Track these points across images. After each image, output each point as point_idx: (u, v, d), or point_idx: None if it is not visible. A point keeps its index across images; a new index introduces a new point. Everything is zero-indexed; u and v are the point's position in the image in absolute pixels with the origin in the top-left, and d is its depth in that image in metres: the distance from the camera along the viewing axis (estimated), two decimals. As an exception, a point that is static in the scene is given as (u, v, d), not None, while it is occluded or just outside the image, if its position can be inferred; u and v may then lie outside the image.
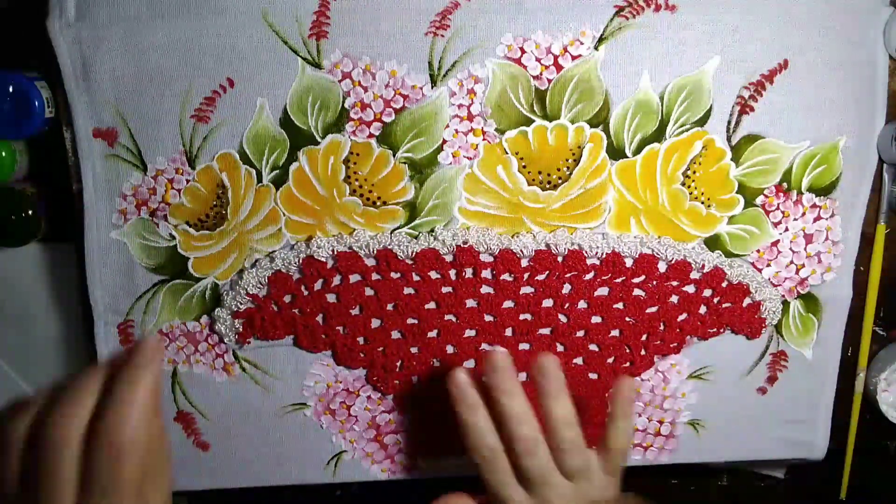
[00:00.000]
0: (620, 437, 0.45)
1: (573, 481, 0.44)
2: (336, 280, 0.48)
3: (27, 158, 0.49)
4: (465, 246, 0.47)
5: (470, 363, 0.50)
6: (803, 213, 0.49)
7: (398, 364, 0.50)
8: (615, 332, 0.49)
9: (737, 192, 0.48)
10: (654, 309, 0.49)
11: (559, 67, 0.46)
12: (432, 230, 0.47)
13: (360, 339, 0.49)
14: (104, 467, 0.30)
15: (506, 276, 0.48)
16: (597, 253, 0.47)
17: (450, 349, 0.49)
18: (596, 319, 0.49)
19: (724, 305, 0.50)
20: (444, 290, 0.48)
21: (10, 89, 0.45)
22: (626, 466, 0.46)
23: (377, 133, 0.46)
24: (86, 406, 0.31)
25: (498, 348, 0.47)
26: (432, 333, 0.49)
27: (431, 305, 0.48)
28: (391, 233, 0.47)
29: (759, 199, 0.48)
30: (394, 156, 0.46)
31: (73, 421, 0.31)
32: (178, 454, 0.52)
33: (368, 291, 0.48)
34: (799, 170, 0.48)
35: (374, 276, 0.48)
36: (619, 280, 0.48)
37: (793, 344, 0.52)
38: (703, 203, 0.48)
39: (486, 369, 0.44)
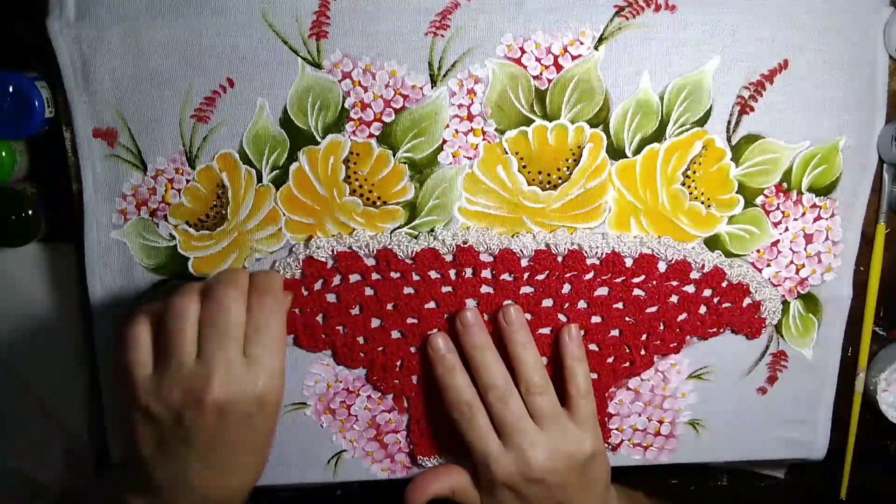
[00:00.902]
0: (579, 381, 0.47)
1: (544, 428, 0.46)
2: (336, 280, 0.48)
3: (27, 158, 0.49)
4: (465, 246, 0.47)
5: (470, 363, 0.50)
6: (803, 213, 0.49)
7: (398, 364, 0.50)
8: (615, 332, 0.49)
9: (737, 192, 0.48)
10: (654, 309, 0.49)
11: (559, 67, 0.46)
12: (432, 230, 0.47)
13: (360, 339, 0.49)
14: (262, 319, 0.40)
15: (506, 276, 0.48)
16: (597, 253, 0.47)
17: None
18: (596, 319, 0.49)
19: (724, 305, 0.50)
20: (444, 289, 0.48)
21: (10, 89, 0.45)
22: (630, 466, 0.46)
23: (377, 133, 0.46)
24: (244, 278, 0.41)
25: (468, 305, 0.48)
26: (432, 333, 0.49)
27: (431, 305, 0.48)
28: (391, 233, 0.47)
29: (759, 199, 0.48)
30: (394, 156, 0.46)
31: (241, 281, 0.41)
32: (178, 454, 0.52)
33: (368, 291, 0.48)
34: (799, 170, 0.48)
35: (374, 276, 0.48)
36: (618, 280, 0.48)
37: (793, 344, 0.52)
38: (703, 203, 0.48)
39: (458, 327, 0.47)
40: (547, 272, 0.48)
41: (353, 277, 0.48)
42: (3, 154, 0.47)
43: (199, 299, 0.40)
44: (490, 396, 0.46)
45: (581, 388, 0.47)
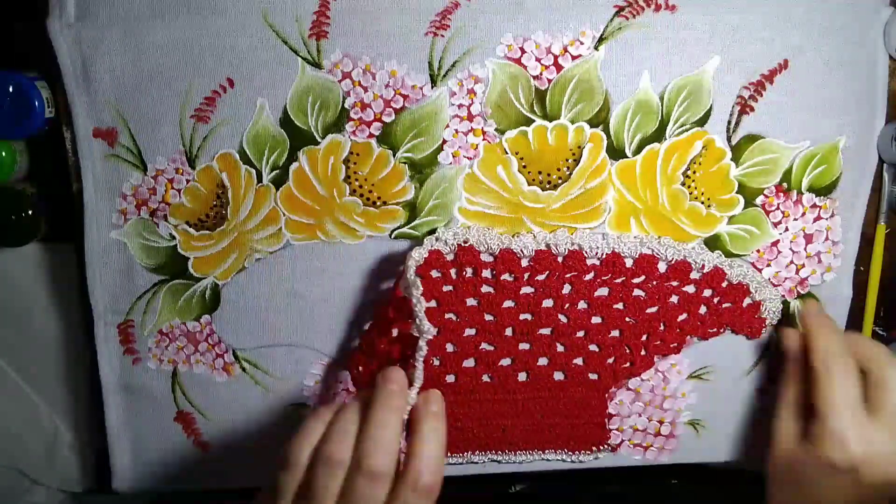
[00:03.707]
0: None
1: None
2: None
3: (27, 158, 0.49)
4: (466, 245, 0.47)
5: (470, 362, 0.50)
6: (803, 213, 0.49)
7: (397, 364, 0.50)
8: (615, 333, 0.49)
9: (737, 192, 0.48)
10: (654, 309, 0.49)
11: (559, 67, 0.46)
12: (433, 230, 0.47)
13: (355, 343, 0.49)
14: (360, 487, 0.38)
15: (506, 276, 0.48)
16: (597, 253, 0.47)
17: (450, 347, 0.49)
18: (596, 320, 0.49)
19: (724, 305, 0.50)
20: (445, 288, 0.48)
21: (10, 89, 0.45)
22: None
23: (377, 133, 0.46)
24: (351, 435, 0.39)
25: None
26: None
27: (432, 304, 0.48)
28: (391, 233, 0.47)
29: (759, 199, 0.48)
30: (394, 156, 0.46)
31: (343, 447, 0.38)
32: (178, 454, 0.52)
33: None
34: (799, 170, 0.48)
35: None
36: (619, 280, 0.48)
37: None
38: (703, 203, 0.48)
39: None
40: (547, 272, 0.48)
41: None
42: (3, 154, 0.47)
43: (353, 441, 0.39)
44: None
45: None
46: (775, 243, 0.49)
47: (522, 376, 0.50)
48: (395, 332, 0.47)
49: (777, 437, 0.47)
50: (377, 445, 0.38)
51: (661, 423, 0.53)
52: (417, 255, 0.46)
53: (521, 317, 0.49)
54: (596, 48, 0.46)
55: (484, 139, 0.46)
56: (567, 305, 0.49)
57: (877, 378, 0.43)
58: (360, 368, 0.49)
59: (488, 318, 0.49)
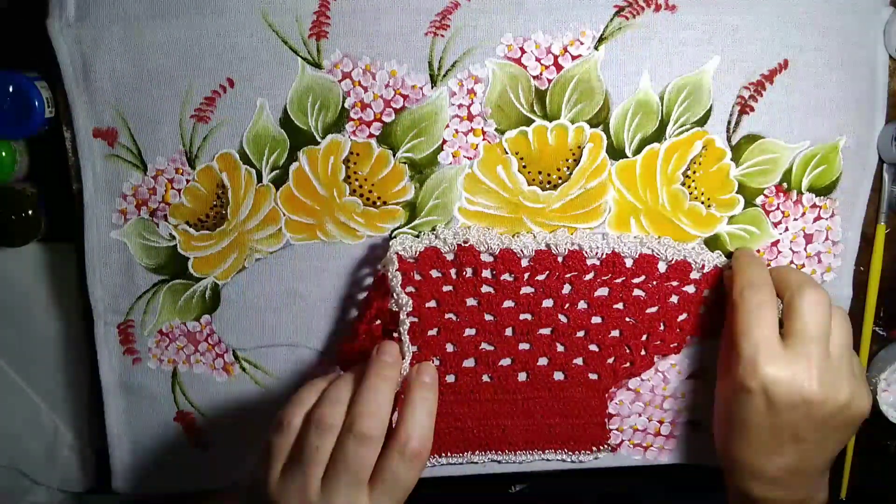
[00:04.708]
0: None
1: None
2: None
3: (27, 158, 0.49)
4: (466, 245, 0.47)
5: (470, 362, 0.50)
6: (803, 213, 0.49)
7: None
8: (615, 333, 0.49)
9: (737, 192, 0.48)
10: (654, 309, 0.49)
11: (559, 67, 0.46)
12: (433, 230, 0.47)
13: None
14: (349, 450, 0.38)
15: (506, 276, 0.48)
16: (597, 253, 0.47)
17: (450, 347, 0.49)
18: (596, 320, 0.49)
19: (723, 305, 0.49)
20: (445, 288, 0.48)
21: (10, 89, 0.45)
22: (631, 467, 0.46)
23: (377, 133, 0.46)
24: (344, 401, 0.40)
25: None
26: (432, 332, 0.49)
27: (432, 304, 0.48)
28: (391, 233, 0.47)
29: (759, 199, 0.48)
30: (394, 156, 0.46)
31: (336, 411, 0.39)
32: (178, 454, 0.52)
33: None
34: (799, 170, 0.48)
35: None
36: (619, 280, 0.48)
37: (793, 344, 0.52)
38: (703, 203, 0.48)
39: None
40: (547, 272, 0.48)
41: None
42: (3, 154, 0.47)
43: (345, 407, 0.40)
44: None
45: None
46: (775, 243, 0.49)
47: (522, 376, 0.50)
48: (374, 311, 0.47)
49: (717, 375, 0.48)
50: (368, 410, 0.39)
51: (661, 423, 0.53)
52: (401, 239, 0.46)
53: (522, 317, 0.49)
54: (596, 48, 0.46)
55: (484, 139, 0.46)
56: (567, 305, 0.49)
57: (788, 304, 0.44)
58: (345, 350, 0.48)
59: (488, 318, 0.49)
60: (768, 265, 0.49)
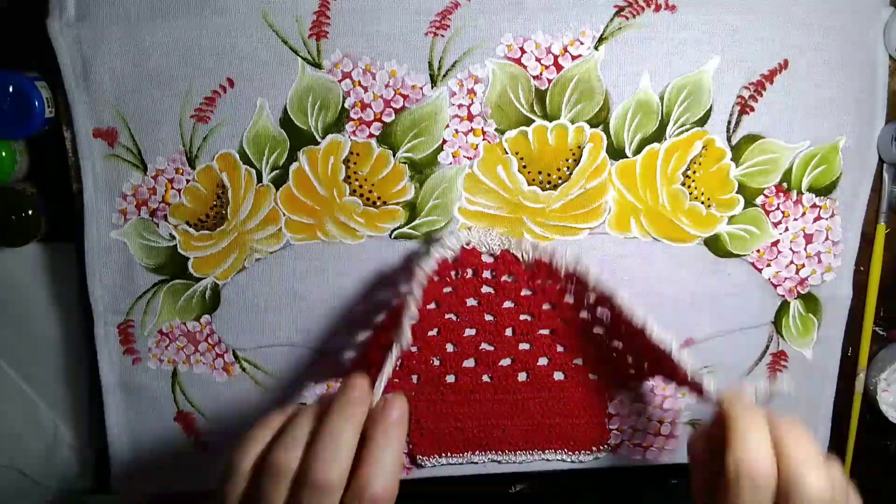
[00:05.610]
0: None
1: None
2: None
3: (27, 158, 0.49)
4: (469, 247, 0.47)
5: (470, 362, 0.50)
6: (803, 213, 0.49)
7: (398, 364, 0.50)
8: (617, 343, 0.49)
9: (737, 192, 0.48)
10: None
11: (559, 67, 0.46)
12: (433, 230, 0.47)
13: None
14: (304, 499, 0.35)
15: (506, 278, 0.48)
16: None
17: (450, 348, 0.49)
18: (598, 330, 0.49)
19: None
20: (445, 290, 0.48)
21: (10, 89, 0.45)
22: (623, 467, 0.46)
23: (377, 133, 0.46)
24: (300, 443, 0.36)
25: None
26: (433, 332, 0.49)
27: (432, 305, 0.48)
28: (391, 233, 0.47)
29: (759, 199, 0.48)
30: (394, 156, 0.46)
31: (291, 455, 0.35)
32: (178, 454, 0.52)
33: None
34: (799, 170, 0.48)
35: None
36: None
37: (793, 344, 0.52)
38: (703, 203, 0.48)
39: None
40: (547, 280, 0.47)
41: None
42: (3, 154, 0.47)
43: (300, 451, 0.36)
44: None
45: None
46: (775, 243, 0.49)
47: (522, 376, 0.50)
48: (384, 340, 0.46)
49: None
50: (326, 455, 0.35)
51: (661, 423, 0.53)
52: (428, 267, 0.44)
53: (521, 317, 0.49)
54: (596, 48, 0.46)
55: (484, 139, 0.46)
56: (568, 312, 0.48)
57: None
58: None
59: (488, 318, 0.49)
60: (768, 265, 0.49)
